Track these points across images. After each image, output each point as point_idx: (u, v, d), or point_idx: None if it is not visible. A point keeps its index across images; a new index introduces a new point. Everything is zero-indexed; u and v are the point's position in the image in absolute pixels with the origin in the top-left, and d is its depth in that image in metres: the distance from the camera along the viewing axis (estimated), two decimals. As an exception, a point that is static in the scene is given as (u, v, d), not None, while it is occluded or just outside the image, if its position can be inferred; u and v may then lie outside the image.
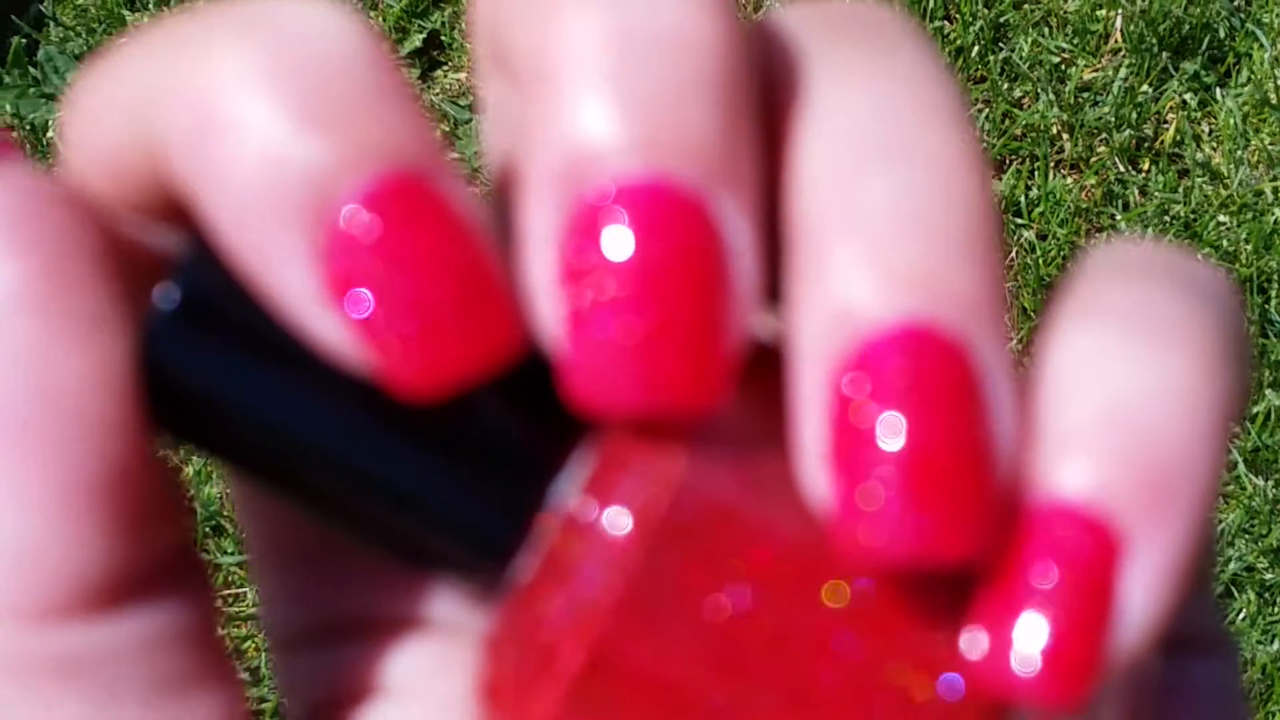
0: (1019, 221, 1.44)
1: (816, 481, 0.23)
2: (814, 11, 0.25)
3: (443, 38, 1.55)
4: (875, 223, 0.23)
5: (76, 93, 0.25)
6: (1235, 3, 1.51)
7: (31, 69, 1.47)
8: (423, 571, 0.27)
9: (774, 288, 0.24)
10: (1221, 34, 1.50)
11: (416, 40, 1.55)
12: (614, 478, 0.24)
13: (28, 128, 1.44)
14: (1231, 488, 1.35)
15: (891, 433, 0.22)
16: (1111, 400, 0.23)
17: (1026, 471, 0.23)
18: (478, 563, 0.25)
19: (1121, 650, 0.23)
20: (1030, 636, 0.23)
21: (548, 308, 0.23)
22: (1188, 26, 1.49)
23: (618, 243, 0.22)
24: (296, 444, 0.25)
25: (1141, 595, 0.23)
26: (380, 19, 1.52)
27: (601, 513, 0.24)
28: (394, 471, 0.25)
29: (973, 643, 0.23)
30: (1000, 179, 1.43)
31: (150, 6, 1.50)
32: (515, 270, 0.24)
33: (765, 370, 0.24)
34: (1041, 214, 1.44)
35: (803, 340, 0.23)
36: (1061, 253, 1.43)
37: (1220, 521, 1.33)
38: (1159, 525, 0.23)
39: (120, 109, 0.24)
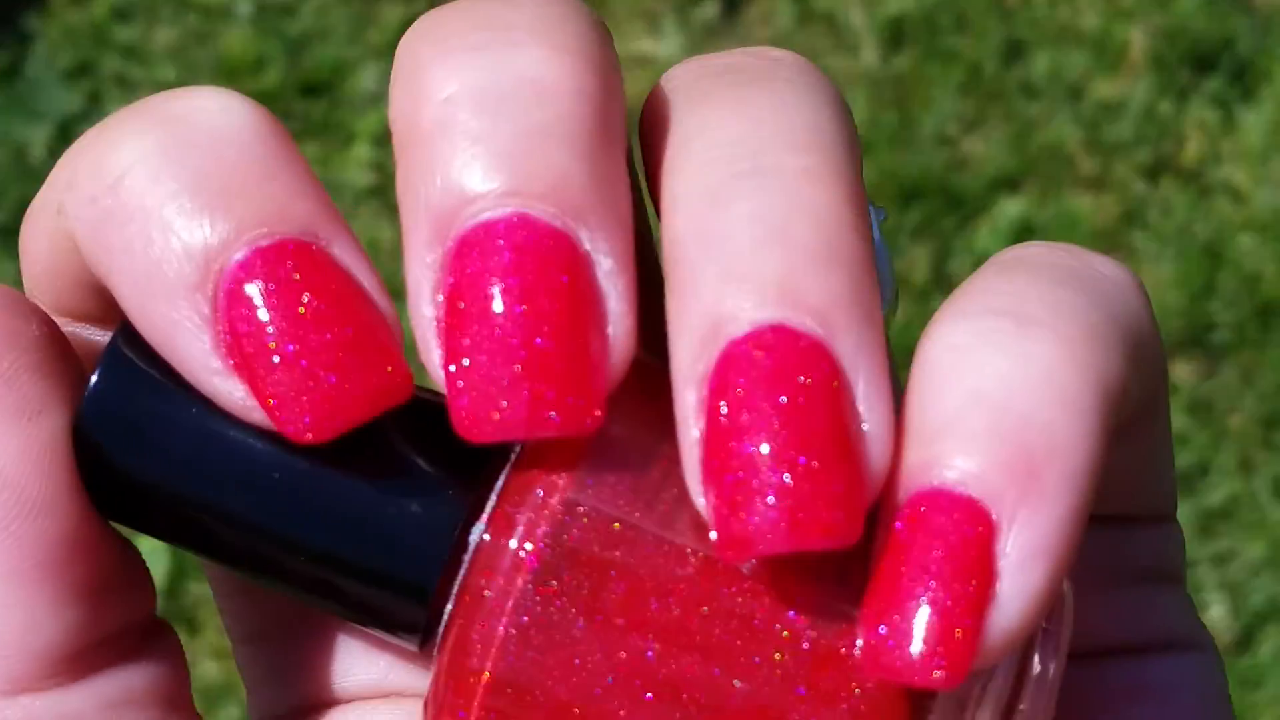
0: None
1: (695, 494, 0.25)
2: (705, 60, 0.27)
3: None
4: (733, 242, 0.25)
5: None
6: (1257, 18, 1.50)
7: (17, 87, 1.45)
8: (374, 634, 0.28)
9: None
10: (1243, 50, 1.48)
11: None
12: (512, 505, 0.26)
13: (13, 148, 1.41)
14: (1255, 518, 1.32)
15: (753, 435, 0.24)
16: (980, 387, 0.25)
17: (905, 461, 0.25)
18: (408, 611, 0.27)
19: (1002, 626, 0.24)
20: (914, 621, 0.24)
21: (432, 350, 0.25)
22: (1209, 43, 1.48)
23: (488, 282, 0.25)
24: (214, 510, 0.26)
25: (1018, 575, 0.24)
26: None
27: (501, 541, 0.26)
28: (315, 526, 0.26)
29: (864, 631, 0.25)
30: (1016, 199, 1.41)
31: (139, 18, 1.47)
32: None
33: (665, 385, 0.26)
34: (1058, 234, 1.42)
35: (677, 362, 0.25)
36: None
37: (1243, 554, 1.30)
38: (1031, 505, 0.24)
39: (46, 212, 0.26)
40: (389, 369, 0.25)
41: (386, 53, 1.46)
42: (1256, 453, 1.33)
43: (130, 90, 1.41)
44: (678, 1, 1.47)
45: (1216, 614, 1.27)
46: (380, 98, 1.41)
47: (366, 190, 1.39)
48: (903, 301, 1.35)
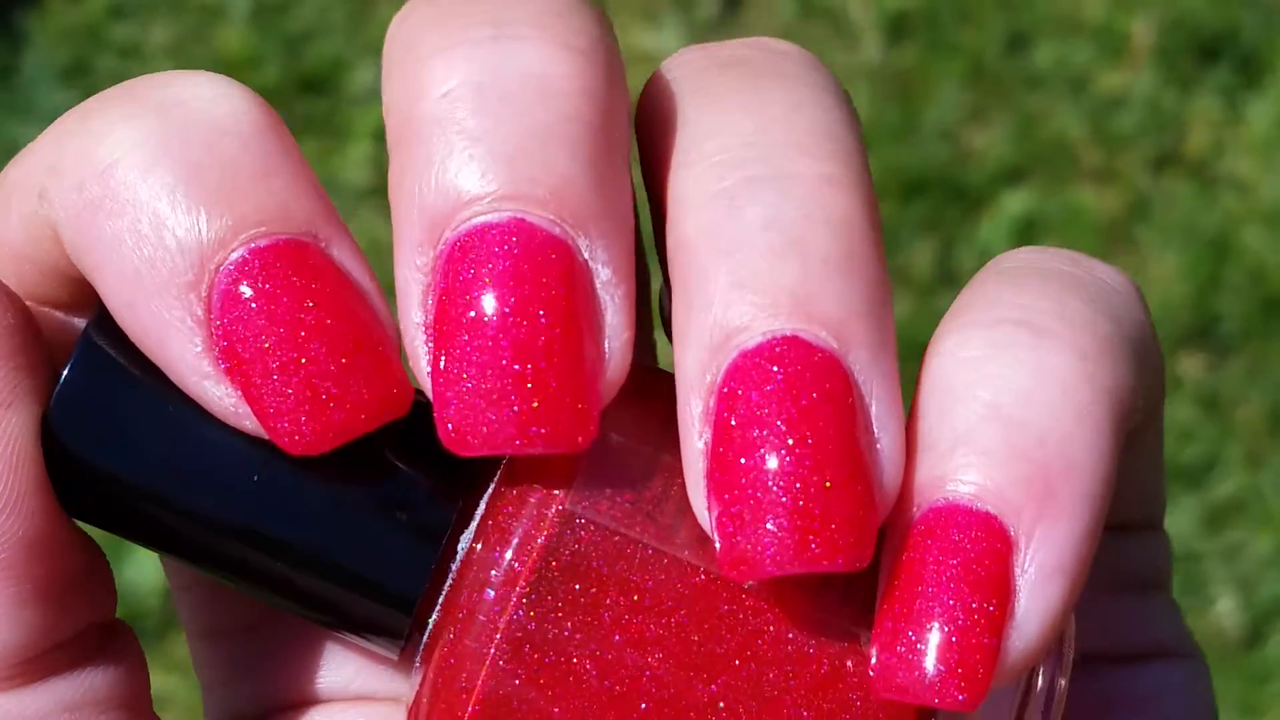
0: (1038, 236, 1.41)
1: (699, 506, 0.24)
2: (707, 50, 0.27)
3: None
4: (747, 250, 0.24)
5: None
6: (1262, 8, 1.49)
7: (13, 86, 1.45)
8: (350, 640, 0.27)
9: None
10: (1248, 40, 1.48)
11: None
12: (502, 518, 0.25)
13: (8, 147, 1.41)
14: (1264, 512, 1.32)
15: (764, 451, 0.23)
16: (994, 401, 0.24)
17: (917, 477, 0.24)
18: (391, 620, 0.26)
19: (1020, 645, 0.24)
20: (930, 639, 0.23)
21: (420, 357, 0.24)
22: (1213, 33, 1.47)
23: (481, 290, 0.24)
24: (193, 513, 0.25)
25: (1036, 593, 0.24)
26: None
27: (494, 552, 0.25)
28: (297, 531, 0.25)
29: (877, 650, 0.24)
30: (1019, 192, 1.41)
31: (135, 16, 1.47)
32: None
33: (667, 394, 0.25)
34: (1063, 227, 1.41)
35: (684, 368, 0.24)
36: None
37: (1251, 548, 1.30)
38: (1049, 521, 0.24)
39: (23, 195, 0.25)
40: (389, 381, 0.25)
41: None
42: (1265, 446, 1.33)
43: (127, 89, 1.41)
44: (678, -5, 1.46)
45: (1225, 608, 1.26)
46: (379, 95, 1.41)
47: (365, 188, 1.38)
48: (906, 296, 1.34)
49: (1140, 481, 0.29)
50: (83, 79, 1.42)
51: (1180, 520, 1.27)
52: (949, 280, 1.36)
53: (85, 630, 0.26)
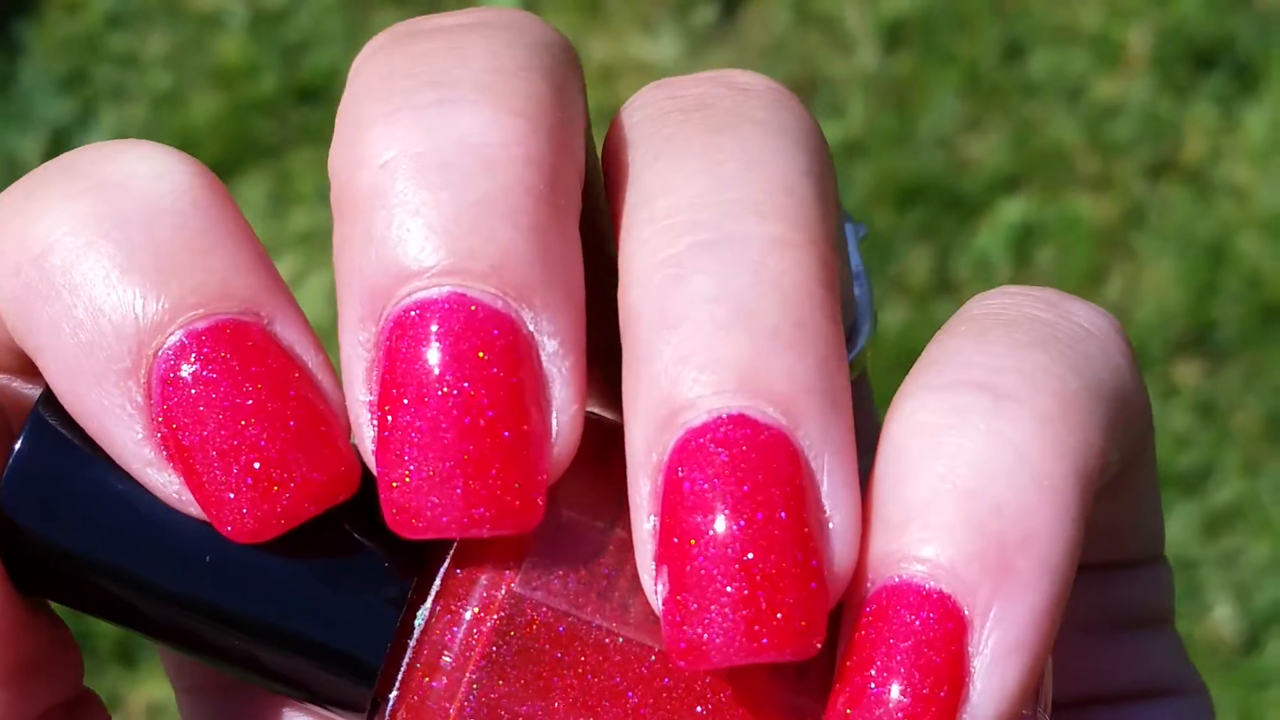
0: (1035, 244, 1.41)
1: (649, 588, 0.24)
2: (672, 90, 0.26)
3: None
4: (693, 323, 0.23)
5: None
6: (1257, 15, 1.50)
7: (10, 96, 1.45)
8: (315, 710, 0.27)
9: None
10: (1243, 48, 1.48)
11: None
12: (452, 599, 0.24)
13: (6, 157, 1.41)
14: (1261, 519, 1.32)
15: (710, 535, 0.23)
16: (950, 474, 0.23)
17: (870, 551, 0.23)
18: (353, 693, 0.26)
19: None
20: None
21: (365, 436, 0.24)
22: (1209, 41, 1.47)
23: (421, 369, 0.23)
24: (148, 590, 0.25)
25: (992, 674, 0.23)
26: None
27: (446, 632, 0.24)
28: (252, 609, 0.25)
29: None
30: (1016, 200, 1.41)
31: (132, 25, 1.47)
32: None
33: (623, 451, 0.24)
34: (1059, 235, 1.41)
35: (632, 445, 0.24)
36: (1079, 277, 1.40)
37: (1249, 554, 1.30)
38: (1006, 597, 0.23)
39: None
40: (335, 461, 0.24)
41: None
42: (1262, 452, 1.33)
43: (124, 99, 1.40)
44: (674, 5, 1.46)
45: (1223, 615, 1.26)
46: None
47: (363, 197, 1.38)
48: (903, 304, 1.34)
49: (1131, 521, 0.29)
50: (80, 89, 1.42)
51: (1177, 527, 1.27)
52: (945, 289, 1.36)
53: (52, 708, 0.25)
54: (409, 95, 0.24)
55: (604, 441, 0.25)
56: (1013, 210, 1.40)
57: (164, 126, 1.37)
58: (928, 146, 1.42)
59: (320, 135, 1.41)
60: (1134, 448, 0.26)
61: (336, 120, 0.25)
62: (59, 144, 1.36)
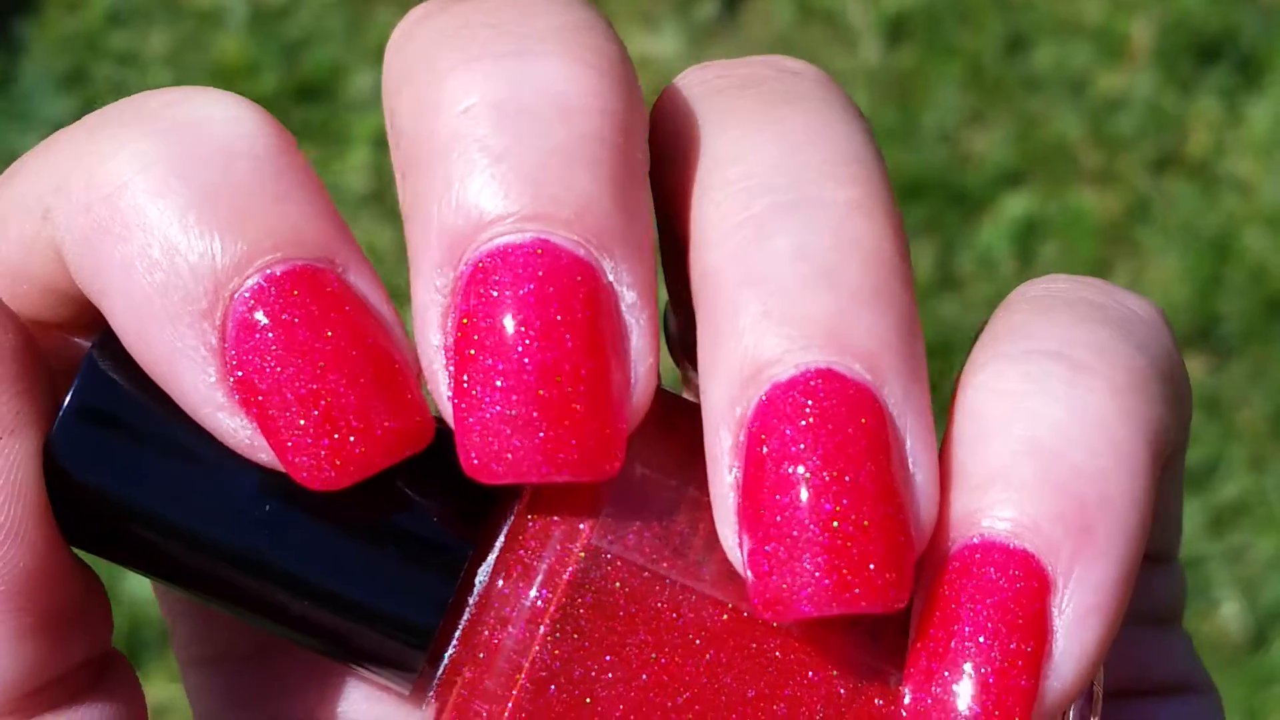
0: (1039, 239, 1.41)
1: (729, 542, 0.24)
2: (721, 69, 0.26)
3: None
4: (776, 280, 0.23)
5: None
6: (1261, 8, 1.49)
7: (10, 94, 1.45)
8: (357, 671, 0.26)
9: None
10: (1247, 41, 1.48)
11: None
12: (524, 552, 0.24)
13: (6, 156, 1.41)
14: (1267, 514, 1.31)
15: (799, 487, 0.23)
16: (1030, 437, 0.23)
17: (951, 512, 0.24)
18: (405, 654, 0.25)
19: (1056, 687, 0.23)
20: (966, 680, 0.23)
21: (439, 381, 0.23)
22: (1212, 34, 1.47)
23: (504, 312, 0.23)
24: (202, 544, 0.24)
25: (1074, 633, 0.23)
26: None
27: (517, 587, 0.24)
28: (309, 564, 0.25)
29: (910, 689, 0.23)
30: (1019, 194, 1.41)
31: (133, 23, 1.47)
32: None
33: (686, 422, 0.24)
34: (1063, 230, 1.41)
35: (712, 401, 0.24)
36: (1083, 271, 1.40)
37: (1255, 550, 1.29)
38: (1087, 559, 0.23)
39: (24, 213, 0.24)
40: (411, 411, 0.24)
41: (383, 56, 1.45)
42: (1267, 448, 1.32)
43: (125, 97, 1.40)
44: (676, 0, 1.46)
45: (1229, 611, 1.26)
46: (378, 101, 1.41)
47: (364, 194, 1.38)
48: (907, 300, 1.34)
49: (1163, 517, 0.29)
50: (81, 87, 1.42)
51: (1183, 523, 1.27)
52: (949, 283, 1.36)
53: (83, 663, 0.25)
54: (488, 44, 0.24)
55: (666, 406, 0.25)
56: (1016, 205, 1.40)
57: (165, 124, 1.37)
58: (930, 141, 1.41)
59: (321, 132, 1.40)
60: (1183, 432, 0.26)
61: (397, 77, 0.24)
62: (59, 143, 1.36)
